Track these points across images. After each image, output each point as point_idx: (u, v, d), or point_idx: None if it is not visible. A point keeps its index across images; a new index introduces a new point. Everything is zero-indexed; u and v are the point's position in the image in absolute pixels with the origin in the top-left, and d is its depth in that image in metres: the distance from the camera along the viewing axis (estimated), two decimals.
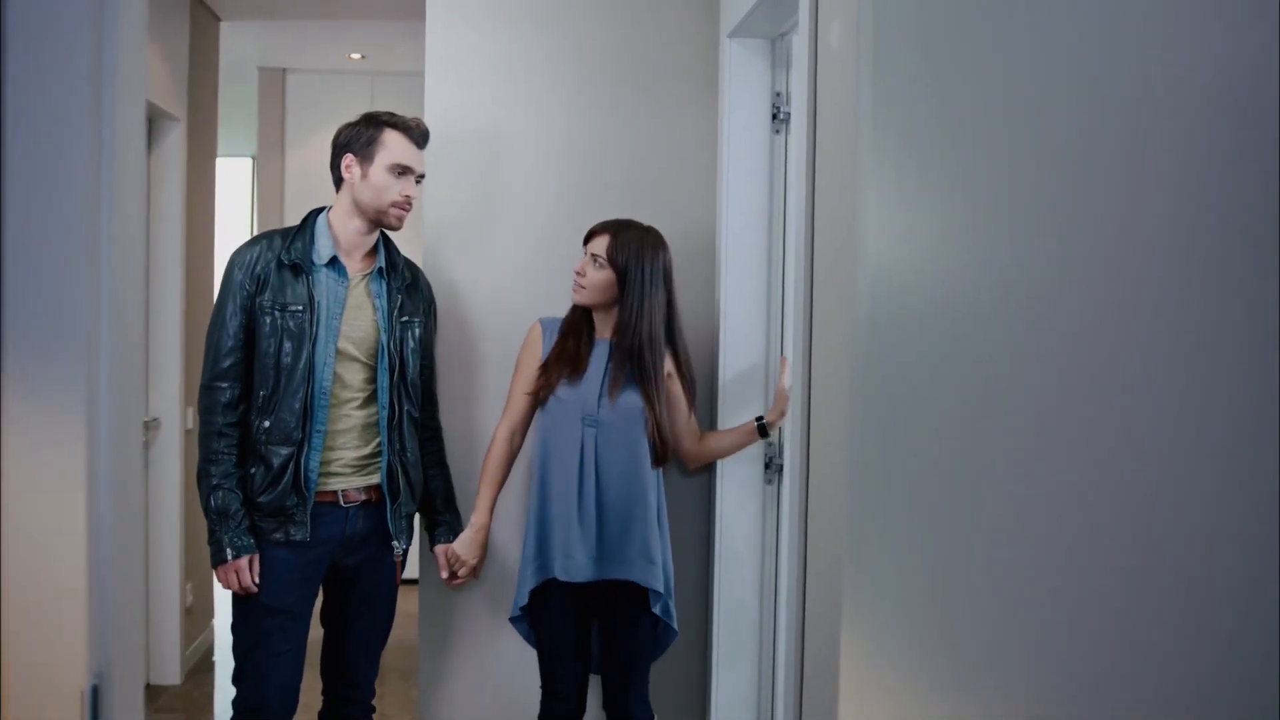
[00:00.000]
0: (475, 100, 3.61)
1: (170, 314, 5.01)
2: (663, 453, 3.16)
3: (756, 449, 3.47)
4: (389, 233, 3.18)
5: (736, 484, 3.51)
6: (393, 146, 3.07)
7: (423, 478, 3.26)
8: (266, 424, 2.97)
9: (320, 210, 3.15)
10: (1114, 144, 0.97)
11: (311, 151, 6.91)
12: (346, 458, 3.06)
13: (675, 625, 3.21)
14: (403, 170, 3.08)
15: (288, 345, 2.97)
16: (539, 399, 3.21)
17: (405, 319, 3.15)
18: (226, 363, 2.99)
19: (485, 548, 3.31)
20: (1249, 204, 0.80)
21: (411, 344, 3.15)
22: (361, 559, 3.14)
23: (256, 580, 2.98)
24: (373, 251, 3.15)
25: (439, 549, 3.31)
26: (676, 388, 3.24)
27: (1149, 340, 0.91)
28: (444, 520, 3.33)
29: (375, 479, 3.11)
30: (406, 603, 3.58)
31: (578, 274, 3.17)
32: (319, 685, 3.28)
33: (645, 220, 3.25)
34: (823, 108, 2.46)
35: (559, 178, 3.63)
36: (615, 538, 3.11)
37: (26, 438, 1.45)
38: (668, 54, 3.65)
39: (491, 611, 3.62)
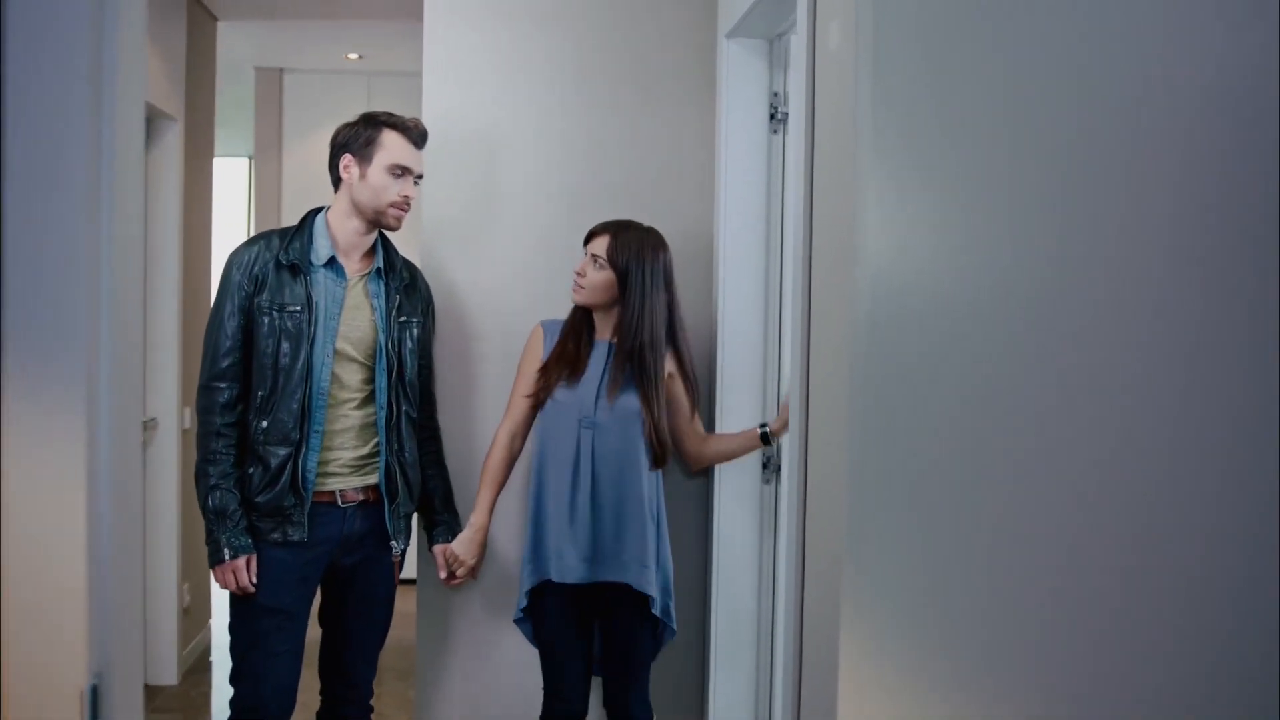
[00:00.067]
0: (473, 100, 3.60)
1: (167, 314, 5.00)
2: (660, 454, 3.16)
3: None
4: (387, 233, 3.18)
5: (735, 484, 3.51)
6: (391, 147, 3.07)
7: (421, 478, 3.26)
8: (264, 424, 2.97)
9: (318, 210, 3.15)
10: (1114, 144, 0.97)
11: (309, 151, 6.90)
12: (344, 458, 3.06)
13: (675, 626, 3.21)
14: (401, 171, 3.08)
15: (286, 345, 2.97)
16: (538, 401, 3.22)
17: (403, 319, 3.15)
18: (224, 363, 2.99)
19: (484, 548, 3.31)
20: (1249, 204, 0.80)
21: (409, 344, 3.15)
22: (359, 559, 3.14)
23: (254, 580, 2.98)
24: (371, 252, 3.15)
25: (437, 549, 3.31)
26: (678, 389, 3.24)
27: (1149, 340, 0.91)
28: (442, 520, 3.33)
29: (373, 479, 3.11)
30: (404, 603, 3.58)
31: (578, 274, 3.17)
32: (317, 685, 3.28)
33: (644, 220, 3.25)
34: (821, 108, 2.46)
35: (557, 178, 3.62)
36: (610, 540, 3.12)
37: (26, 438, 1.45)
38: (666, 54, 3.66)
39: (489, 612, 3.62)
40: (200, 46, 5.31)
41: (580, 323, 3.24)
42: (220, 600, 4.45)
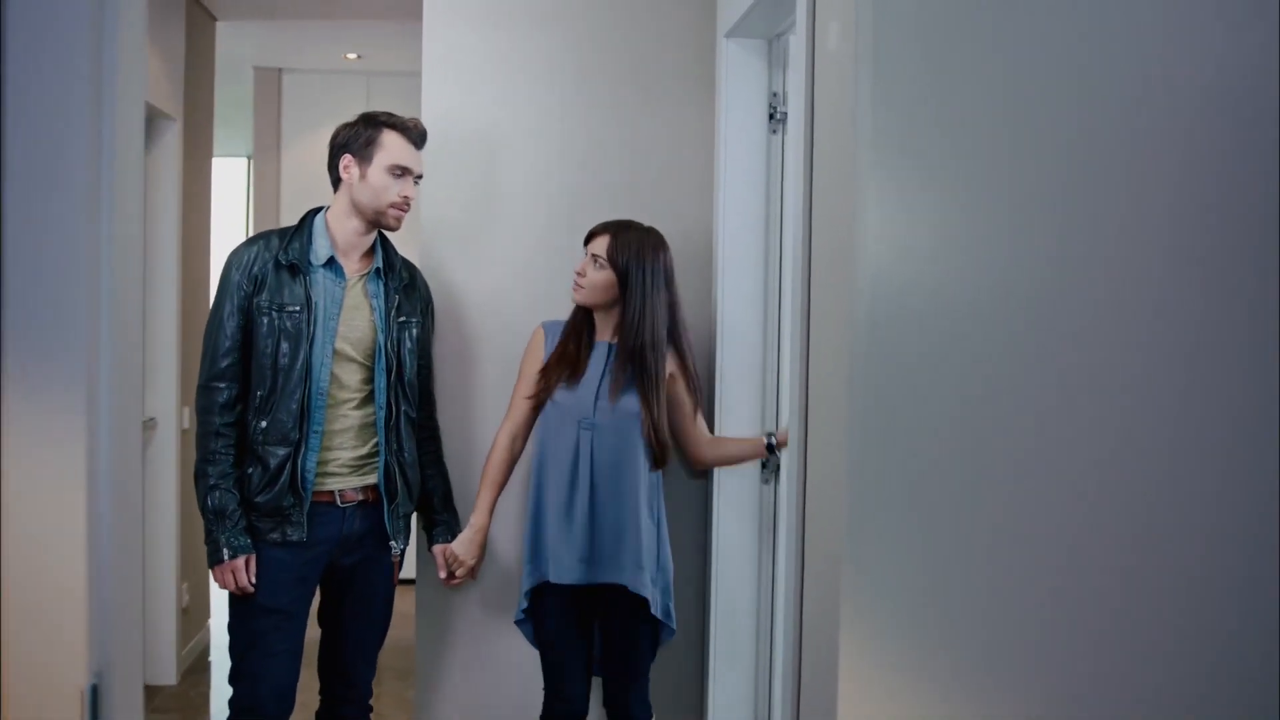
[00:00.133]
0: (473, 100, 3.60)
1: (166, 314, 5.00)
2: (660, 455, 3.16)
3: None
4: (387, 233, 3.18)
5: (734, 484, 3.51)
6: (391, 147, 3.07)
7: (420, 478, 3.26)
8: (263, 424, 2.97)
9: (318, 210, 3.15)
10: (1114, 144, 0.97)
11: (307, 151, 6.90)
12: (343, 458, 3.06)
13: (674, 626, 3.22)
14: (401, 171, 3.08)
15: (285, 346, 2.97)
16: (538, 402, 3.22)
17: (402, 319, 3.15)
18: (224, 363, 2.98)
19: (484, 549, 3.31)
20: (1249, 204, 0.80)
21: (409, 344, 3.15)
22: (358, 559, 3.14)
23: (253, 580, 2.98)
24: (370, 252, 3.15)
25: (437, 549, 3.31)
26: (680, 389, 3.24)
27: (1149, 340, 0.91)
28: (442, 520, 3.34)
29: (372, 479, 3.11)
30: (403, 603, 3.58)
31: (578, 274, 3.17)
32: (316, 685, 3.28)
33: (643, 220, 3.25)
34: (820, 108, 2.46)
35: (556, 178, 3.62)
36: (606, 541, 3.12)
37: (26, 438, 1.45)
38: (666, 54, 3.65)
39: (488, 612, 3.62)
40: (199, 46, 5.31)
41: (581, 324, 3.24)
42: (219, 600, 4.45)
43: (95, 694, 1.47)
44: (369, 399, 3.09)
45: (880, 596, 1.43)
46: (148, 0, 1.63)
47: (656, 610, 3.14)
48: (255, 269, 3.00)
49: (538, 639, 3.24)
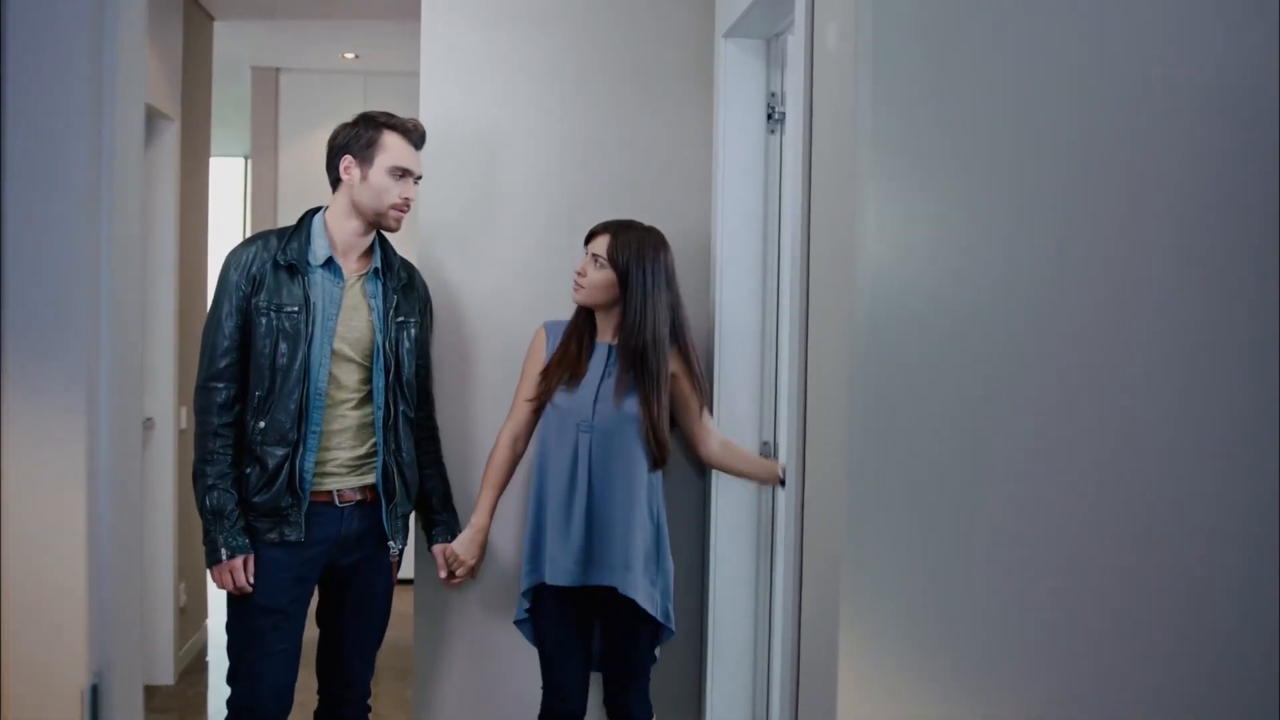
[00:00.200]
0: (472, 100, 3.60)
1: (164, 314, 5.00)
2: (660, 456, 3.16)
3: (753, 446, 3.47)
4: (386, 233, 3.18)
5: (733, 484, 3.51)
6: (392, 149, 3.07)
7: (419, 478, 3.26)
8: (262, 424, 2.97)
9: (316, 210, 3.15)
10: (1114, 144, 0.97)
11: (305, 151, 6.90)
12: (342, 458, 3.06)
13: (674, 627, 3.22)
14: (402, 173, 3.08)
15: (283, 346, 2.97)
16: (539, 404, 3.22)
17: (401, 319, 3.15)
18: (222, 363, 2.98)
19: (484, 549, 3.32)
20: (1249, 204, 0.81)
21: (407, 344, 3.15)
22: (357, 559, 3.14)
23: (251, 580, 2.97)
24: (369, 252, 3.15)
25: (437, 548, 3.31)
26: (684, 388, 3.24)
27: (1149, 340, 0.91)
28: (441, 520, 3.34)
29: (371, 479, 3.11)
30: (402, 603, 3.58)
31: (578, 274, 3.17)
32: (314, 685, 3.28)
33: (643, 220, 3.25)
34: (819, 108, 2.47)
35: (554, 177, 3.62)
36: (603, 544, 3.12)
37: (26, 438, 1.45)
38: (664, 54, 3.65)
39: (486, 612, 3.62)
40: (197, 46, 5.31)
41: (582, 325, 3.24)
42: (217, 600, 4.45)
43: (95, 694, 1.47)
44: (367, 399, 3.09)
45: (880, 596, 1.43)
46: (147, 0, 1.63)
47: (655, 612, 3.14)
48: (254, 269, 3.00)
49: (537, 639, 3.24)
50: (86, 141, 1.44)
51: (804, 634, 2.48)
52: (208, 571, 3.03)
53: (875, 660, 1.44)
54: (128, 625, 1.57)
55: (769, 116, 3.50)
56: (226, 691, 3.06)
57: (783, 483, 3.24)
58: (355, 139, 3.08)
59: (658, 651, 3.32)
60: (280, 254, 3.01)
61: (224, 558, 2.95)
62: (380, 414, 3.09)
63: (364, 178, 3.06)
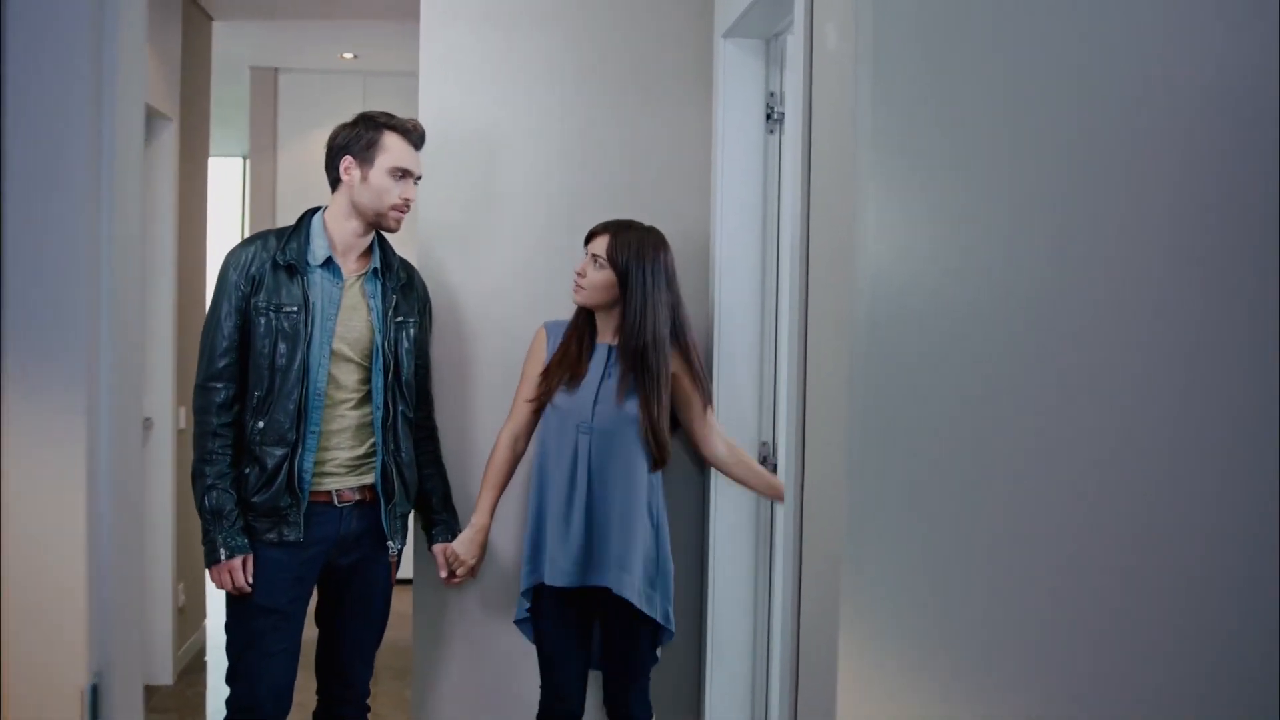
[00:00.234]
0: (471, 100, 3.60)
1: (163, 314, 5.00)
2: (659, 456, 3.16)
3: (750, 447, 3.47)
4: (385, 234, 3.18)
5: (731, 483, 3.51)
6: (392, 149, 3.08)
7: (418, 477, 3.26)
8: (261, 424, 2.97)
9: (315, 210, 3.15)
10: (1114, 144, 0.97)
11: (304, 151, 6.90)
12: (341, 458, 3.06)
13: (673, 627, 3.22)
14: (403, 173, 3.09)
15: (282, 346, 2.97)
16: (539, 405, 3.22)
17: (400, 319, 3.15)
18: (221, 363, 2.98)
19: (484, 549, 3.32)
20: (1249, 204, 0.81)
21: (406, 344, 3.15)
22: (356, 559, 3.14)
23: (250, 580, 2.98)
24: (368, 252, 3.15)
25: (437, 548, 3.31)
26: (686, 387, 3.24)
27: (1149, 340, 0.91)
28: (441, 520, 3.34)
29: (370, 479, 3.11)
30: (401, 603, 3.58)
31: (578, 274, 3.17)
32: (313, 685, 3.28)
33: (642, 220, 3.25)
34: (818, 108, 2.46)
35: (554, 178, 3.62)
36: (601, 545, 3.12)
37: (26, 438, 1.45)
38: (664, 54, 3.65)
39: (486, 612, 3.62)
40: (195, 46, 5.31)
41: (583, 325, 3.24)
42: (216, 600, 4.45)
43: (95, 694, 1.47)
44: (366, 399, 3.09)
45: (880, 596, 1.43)
46: (146, 0, 1.63)
47: (654, 613, 3.14)
48: (253, 269, 3.00)
49: (537, 639, 3.25)
50: (86, 141, 1.44)
51: (803, 634, 2.48)
52: (206, 571, 3.03)
53: (875, 660, 1.44)
54: (128, 625, 1.57)
55: (768, 116, 3.50)
56: (225, 691, 3.06)
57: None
58: (355, 139, 3.08)
59: (659, 652, 3.32)
60: (279, 254, 3.01)
61: (223, 558, 2.95)
62: (379, 414, 3.09)
63: (364, 178, 3.06)
